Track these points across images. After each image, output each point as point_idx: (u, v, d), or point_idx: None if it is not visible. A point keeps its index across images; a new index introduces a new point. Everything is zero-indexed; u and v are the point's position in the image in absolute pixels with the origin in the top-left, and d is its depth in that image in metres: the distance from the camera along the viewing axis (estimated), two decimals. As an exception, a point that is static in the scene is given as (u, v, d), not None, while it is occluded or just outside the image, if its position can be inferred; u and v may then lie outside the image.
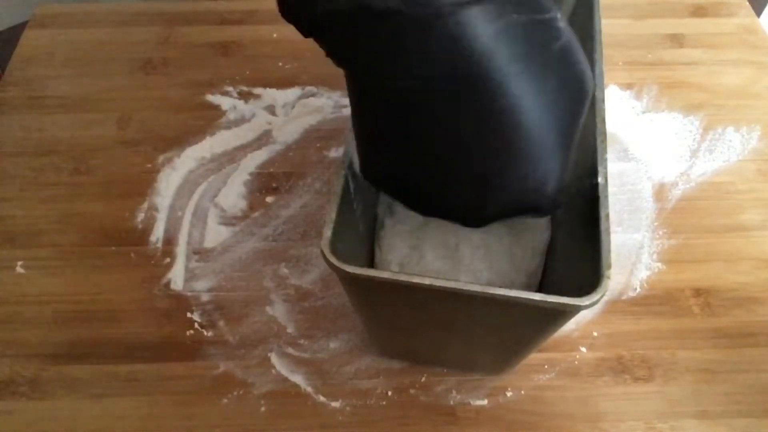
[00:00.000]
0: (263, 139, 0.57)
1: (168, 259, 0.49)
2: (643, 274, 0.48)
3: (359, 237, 0.38)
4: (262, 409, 0.42)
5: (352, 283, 0.32)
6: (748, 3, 0.68)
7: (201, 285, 0.48)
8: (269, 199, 0.53)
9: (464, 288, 0.29)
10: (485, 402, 0.42)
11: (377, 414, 0.42)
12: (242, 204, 0.52)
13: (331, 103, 0.59)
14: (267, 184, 0.54)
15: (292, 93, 0.60)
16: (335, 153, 0.56)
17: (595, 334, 0.45)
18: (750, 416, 0.42)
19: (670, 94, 0.60)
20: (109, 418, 0.42)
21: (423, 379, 0.43)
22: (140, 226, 0.51)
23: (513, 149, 0.29)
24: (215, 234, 0.51)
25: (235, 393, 0.43)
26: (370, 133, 0.32)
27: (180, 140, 0.56)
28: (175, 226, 0.51)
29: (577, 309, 0.29)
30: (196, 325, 0.46)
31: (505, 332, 0.35)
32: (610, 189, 0.33)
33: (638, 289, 0.47)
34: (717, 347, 0.44)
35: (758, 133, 0.57)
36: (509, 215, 0.33)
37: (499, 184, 0.30)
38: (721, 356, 0.44)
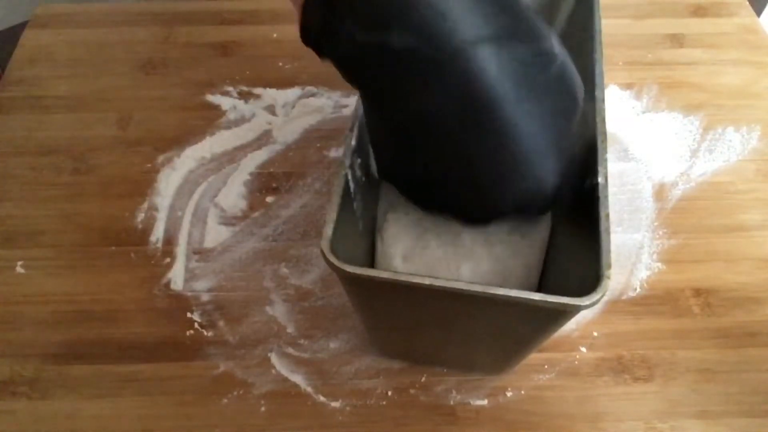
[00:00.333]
0: (263, 139, 0.57)
1: (168, 259, 0.49)
2: (643, 274, 0.48)
3: (359, 237, 0.38)
4: (262, 409, 0.42)
5: (352, 282, 0.32)
6: (748, 3, 0.68)
7: (201, 285, 0.48)
8: (269, 199, 0.53)
9: (464, 288, 0.29)
10: (485, 402, 0.42)
11: (377, 414, 0.42)
12: (242, 204, 0.52)
13: (331, 103, 0.59)
14: (267, 184, 0.54)
15: (292, 93, 0.60)
16: (335, 153, 0.56)
17: (595, 334, 0.45)
18: (750, 416, 0.42)
19: (670, 94, 0.60)
20: (109, 418, 0.42)
21: (423, 379, 0.43)
22: (140, 226, 0.51)
23: (513, 158, 0.31)
24: (215, 234, 0.51)
25: (235, 393, 0.43)
26: (382, 140, 0.35)
27: (180, 140, 0.56)
28: (175, 226, 0.51)
29: (577, 309, 0.29)
30: (196, 325, 0.46)
31: (505, 332, 0.35)
32: (610, 189, 0.33)
33: (638, 289, 0.47)
34: (717, 347, 0.44)
35: (758, 133, 0.57)
36: (511, 213, 0.35)
37: (499, 187, 0.33)
38: (721, 356, 0.44)
